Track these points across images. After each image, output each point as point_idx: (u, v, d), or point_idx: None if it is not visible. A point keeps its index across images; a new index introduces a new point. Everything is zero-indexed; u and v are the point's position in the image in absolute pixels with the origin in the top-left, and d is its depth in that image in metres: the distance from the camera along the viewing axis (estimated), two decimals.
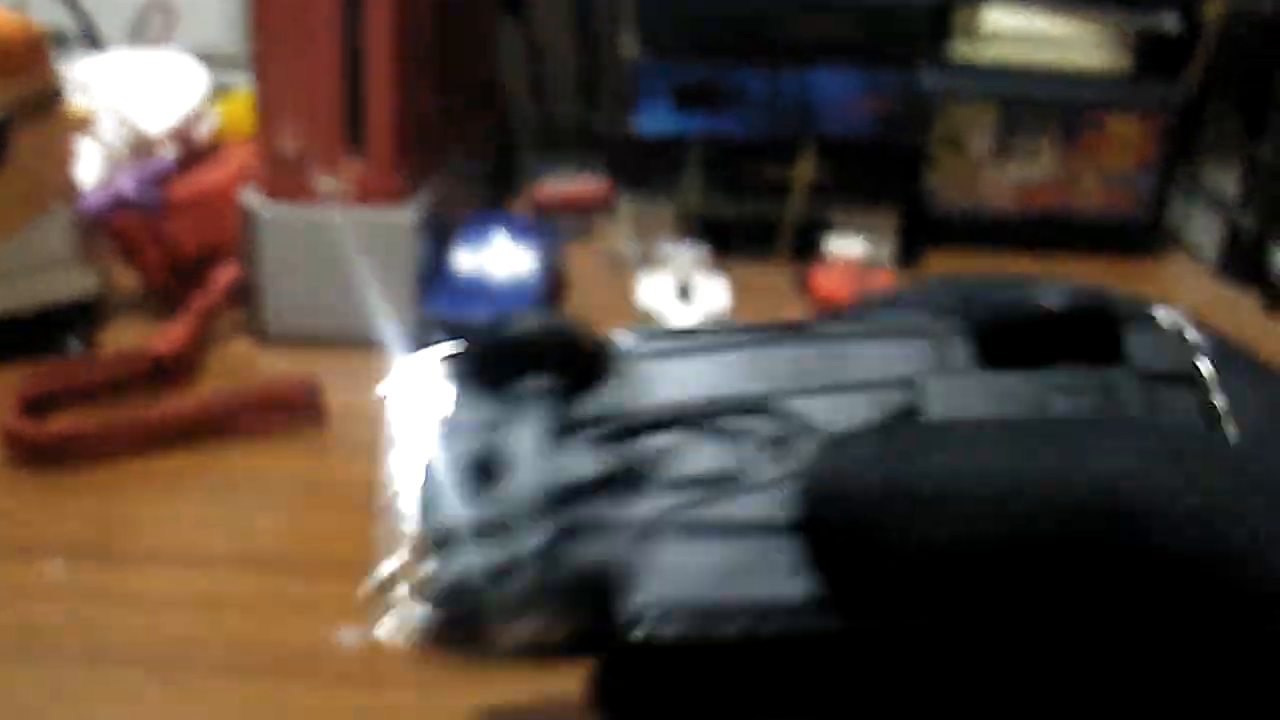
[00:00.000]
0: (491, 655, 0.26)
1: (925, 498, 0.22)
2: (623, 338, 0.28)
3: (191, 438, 0.48)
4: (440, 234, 0.61)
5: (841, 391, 0.27)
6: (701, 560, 0.25)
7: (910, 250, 0.71)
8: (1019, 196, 0.73)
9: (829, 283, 0.64)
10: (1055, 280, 0.28)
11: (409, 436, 0.27)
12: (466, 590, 0.24)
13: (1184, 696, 0.22)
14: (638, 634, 0.24)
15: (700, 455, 0.26)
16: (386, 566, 0.25)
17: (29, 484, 0.46)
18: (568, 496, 0.26)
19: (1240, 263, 0.69)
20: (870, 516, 0.23)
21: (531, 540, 0.25)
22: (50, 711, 0.34)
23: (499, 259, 0.62)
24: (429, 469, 0.26)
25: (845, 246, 0.67)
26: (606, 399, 0.27)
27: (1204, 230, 0.73)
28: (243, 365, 0.57)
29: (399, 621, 0.25)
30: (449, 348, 0.28)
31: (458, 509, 0.26)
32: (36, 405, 0.48)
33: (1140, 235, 0.73)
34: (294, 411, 0.49)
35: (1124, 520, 0.21)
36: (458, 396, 0.28)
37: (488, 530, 0.25)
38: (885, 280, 0.64)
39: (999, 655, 0.24)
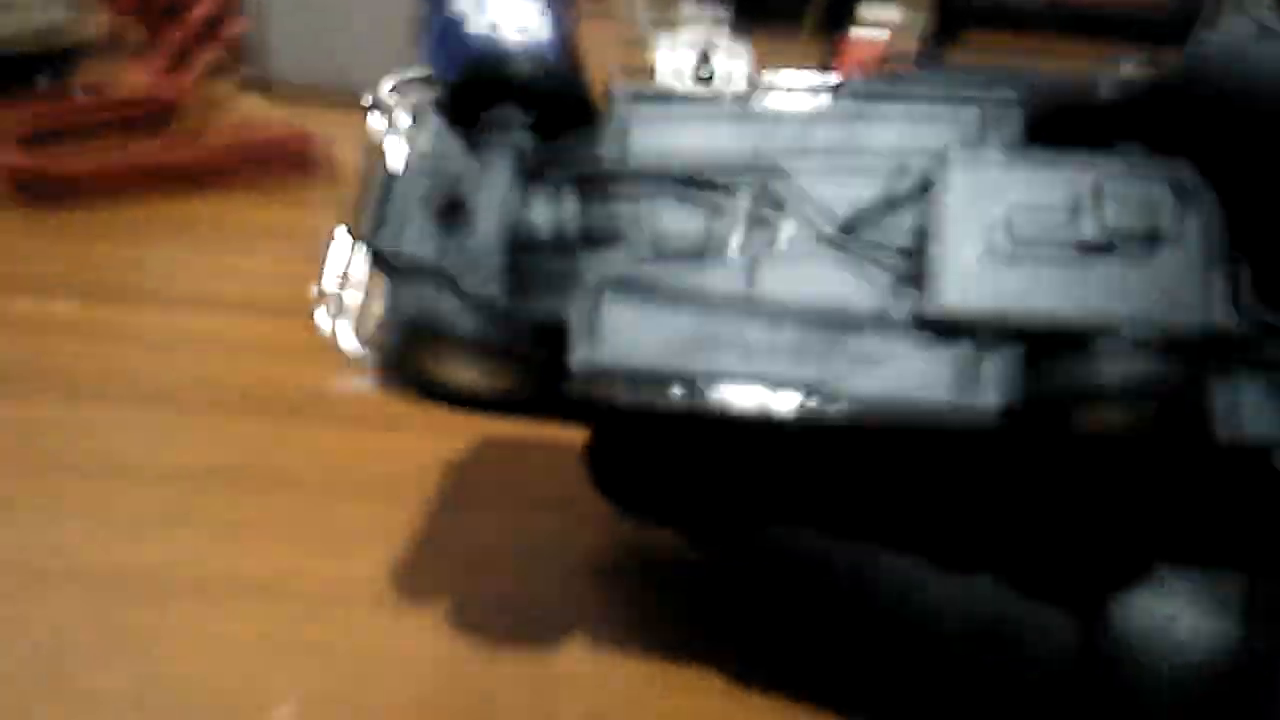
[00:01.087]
0: (442, 398, 0.25)
1: None
2: (619, 90, 0.26)
3: (192, 184, 0.47)
4: None
5: (852, 161, 0.25)
6: (658, 326, 0.24)
7: (946, 29, 0.68)
8: None
9: (860, 56, 0.61)
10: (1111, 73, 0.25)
11: (385, 166, 0.25)
12: (418, 327, 0.23)
13: None
14: (575, 392, 0.24)
15: (677, 218, 0.25)
16: (346, 294, 0.25)
17: (33, 222, 0.46)
18: (529, 245, 0.25)
19: None
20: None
21: (486, 286, 0.24)
22: (72, 446, 0.35)
23: (508, 12, 0.58)
24: (395, 194, 0.25)
25: (879, 16, 0.64)
26: (588, 148, 0.26)
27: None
28: (242, 115, 0.55)
29: (357, 354, 0.24)
30: (431, 81, 0.27)
31: (418, 243, 0.25)
32: (36, 141, 0.47)
33: (1173, 30, 0.70)
34: (295, 164, 0.48)
35: None
36: (434, 129, 0.26)
37: (444, 270, 0.24)
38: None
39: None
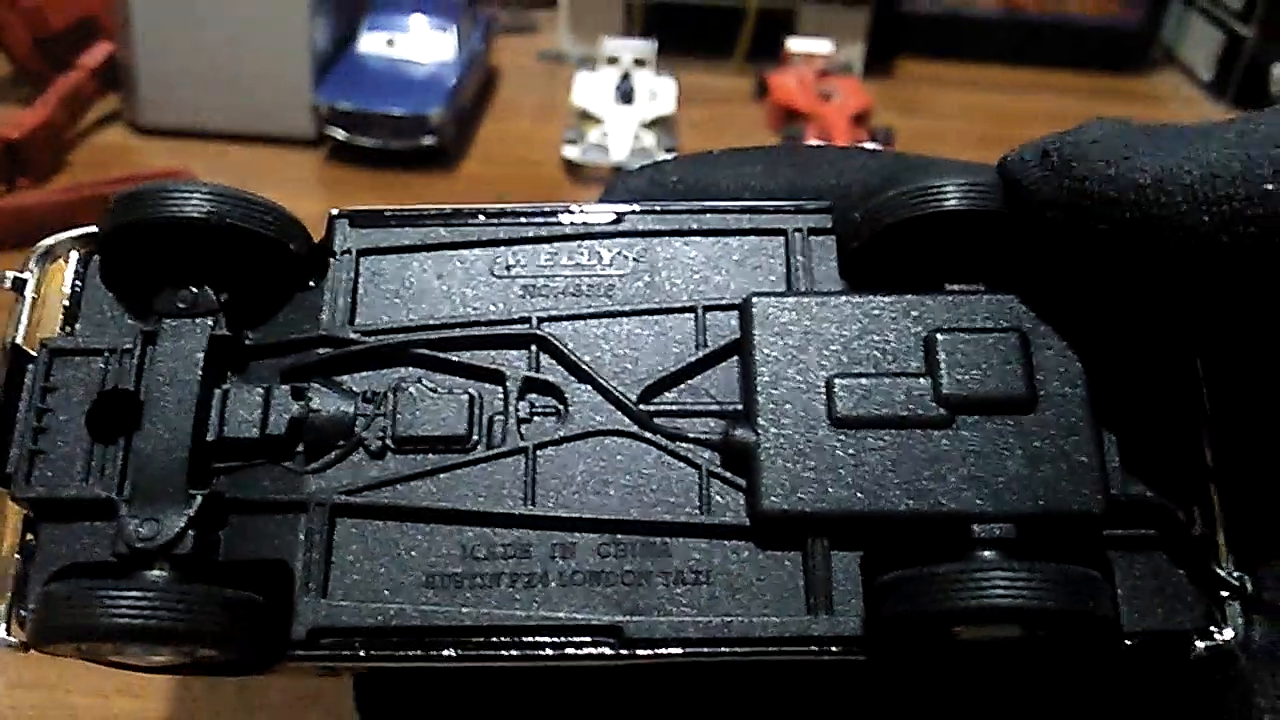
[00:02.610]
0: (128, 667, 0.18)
1: None
2: (339, 226, 0.20)
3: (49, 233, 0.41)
4: (345, 10, 0.54)
5: (639, 313, 0.19)
6: (408, 561, 0.18)
7: (881, 54, 0.64)
8: None
9: (789, 87, 0.57)
10: (941, 165, 0.21)
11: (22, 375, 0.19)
12: (72, 602, 0.17)
13: None
14: (300, 661, 0.18)
15: (426, 404, 0.19)
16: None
17: None
18: (228, 452, 0.18)
19: (1237, 80, 0.63)
20: None
21: (170, 520, 0.17)
22: None
23: (415, 44, 0.54)
24: (42, 406, 0.18)
25: (809, 46, 0.60)
26: (302, 316, 0.19)
27: (1200, 43, 0.66)
28: (113, 157, 0.50)
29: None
30: (87, 231, 0.20)
31: (67, 472, 0.18)
32: None
33: (1133, 47, 0.67)
34: None
35: None
36: (85, 304, 0.19)
37: (108, 504, 0.18)
38: (851, 88, 0.58)
39: None
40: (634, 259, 0.20)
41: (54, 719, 0.28)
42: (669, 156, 0.24)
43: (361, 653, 0.17)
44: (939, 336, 0.18)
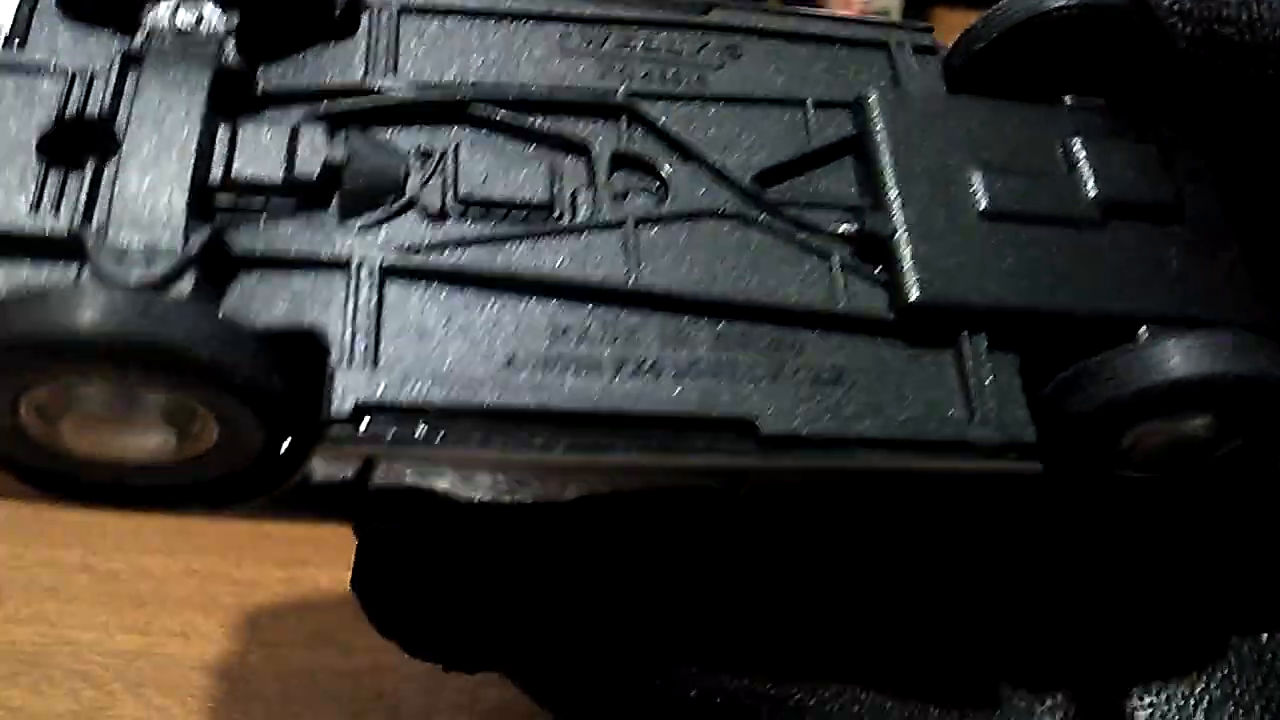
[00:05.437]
0: (76, 488, 0.15)
1: None
2: None
3: None
4: None
5: (738, 100, 0.17)
6: (480, 335, 0.15)
7: (919, 3, 0.62)
8: None
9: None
10: None
11: None
12: (30, 300, 0.13)
13: None
14: (336, 454, 0.14)
15: (496, 163, 0.16)
16: None
17: None
18: (240, 204, 0.15)
19: None
20: None
21: (160, 262, 0.13)
22: None
23: None
24: None
25: None
26: (330, 66, 0.17)
27: None
28: None
29: None
30: None
31: (11, 208, 0.14)
32: None
33: None
34: None
35: None
36: (39, 16, 0.16)
37: (71, 244, 0.14)
38: None
39: None
40: (723, 52, 0.18)
41: (54, 654, 0.26)
42: None
43: (427, 434, 0.14)
44: (1076, 142, 0.17)
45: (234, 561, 0.28)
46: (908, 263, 0.16)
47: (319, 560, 0.28)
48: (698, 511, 0.17)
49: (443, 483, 0.16)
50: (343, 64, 0.17)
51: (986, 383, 0.16)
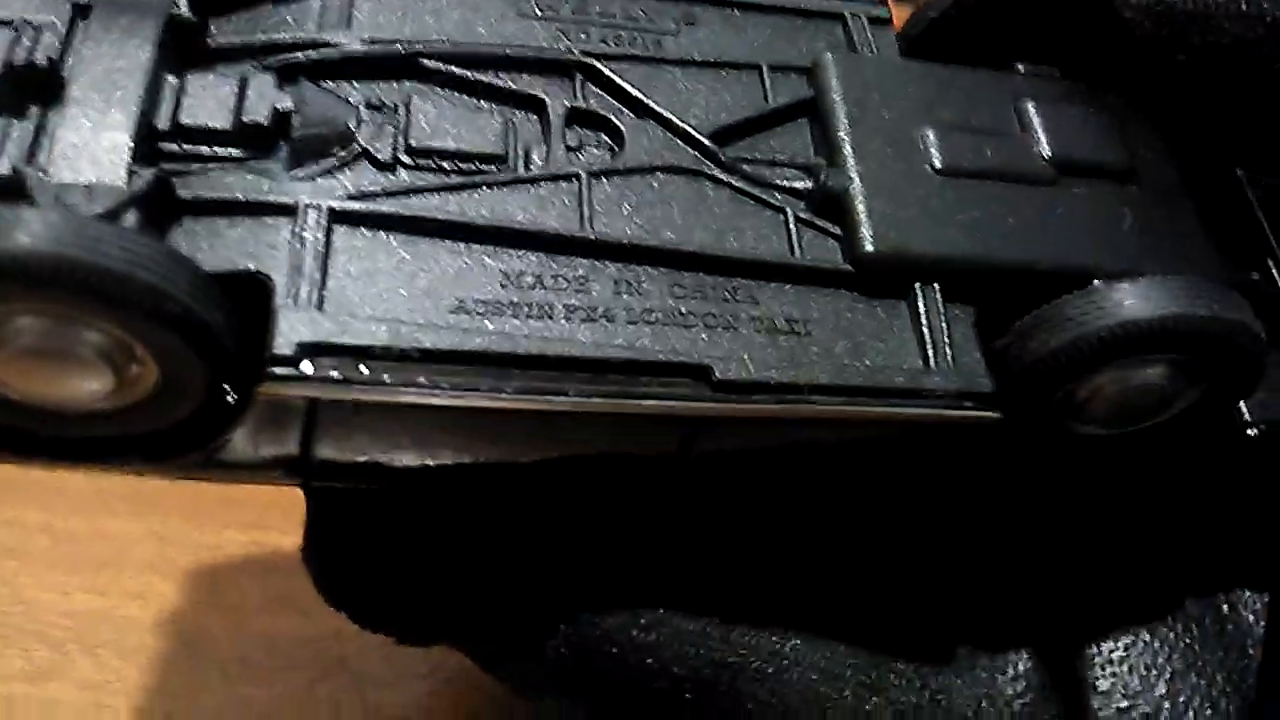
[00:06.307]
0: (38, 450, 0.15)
1: None
2: None
3: None
4: None
5: (694, 64, 0.17)
6: (429, 281, 0.14)
7: None
8: None
9: None
10: None
11: None
12: None
13: None
14: (281, 383, 0.14)
15: (448, 115, 0.16)
16: None
17: None
18: (189, 151, 0.15)
19: None
20: None
21: (104, 197, 0.13)
22: None
23: None
24: None
25: None
26: (286, 20, 0.16)
27: None
28: None
29: None
30: None
31: None
32: None
33: None
34: None
35: None
36: None
37: (13, 183, 0.14)
38: None
39: None
40: (679, 20, 0.18)
41: (9, 614, 0.26)
42: None
43: (371, 376, 0.13)
44: (1030, 104, 0.17)
45: (196, 525, 0.28)
46: (863, 215, 0.16)
47: (282, 525, 0.27)
48: (651, 479, 0.17)
49: (390, 448, 0.15)
50: (296, 19, 0.17)
51: (943, 334, 0.16)
